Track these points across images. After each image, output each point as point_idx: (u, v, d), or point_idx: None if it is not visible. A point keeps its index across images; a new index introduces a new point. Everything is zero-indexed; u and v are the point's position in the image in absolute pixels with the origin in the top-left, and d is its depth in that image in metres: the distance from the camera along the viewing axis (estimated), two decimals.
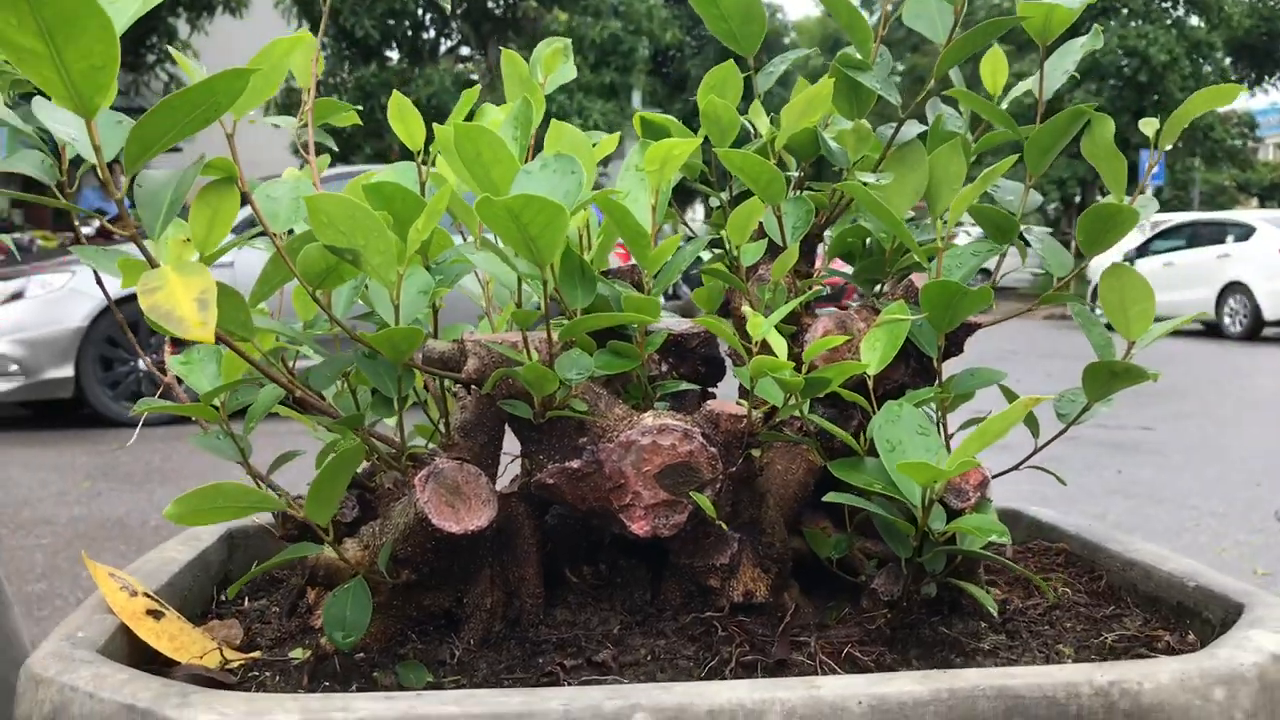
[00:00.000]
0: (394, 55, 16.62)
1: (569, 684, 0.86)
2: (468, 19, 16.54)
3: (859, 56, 1.07)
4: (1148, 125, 1.07)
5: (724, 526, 0.89)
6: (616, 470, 0.89)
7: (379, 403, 0.91)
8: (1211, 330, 14.39)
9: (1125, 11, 22.08)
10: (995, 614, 0.90)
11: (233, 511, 0.82)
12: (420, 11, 15.98)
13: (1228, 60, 23.46)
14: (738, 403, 0.91)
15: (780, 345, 0.89)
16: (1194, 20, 22.75)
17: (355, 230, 0.81)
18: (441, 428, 1.04)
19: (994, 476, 1.16)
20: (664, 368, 1.08)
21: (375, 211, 0.90)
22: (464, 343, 0.92)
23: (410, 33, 15.82)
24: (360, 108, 1.18)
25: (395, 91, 0.95)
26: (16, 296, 6.76)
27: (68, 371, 6.72)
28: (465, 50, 18.28)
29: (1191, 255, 14.34)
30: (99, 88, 0.72)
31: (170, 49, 0.95)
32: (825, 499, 0.89)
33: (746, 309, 0.92)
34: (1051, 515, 1.27)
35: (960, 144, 1.10)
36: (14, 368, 6.68)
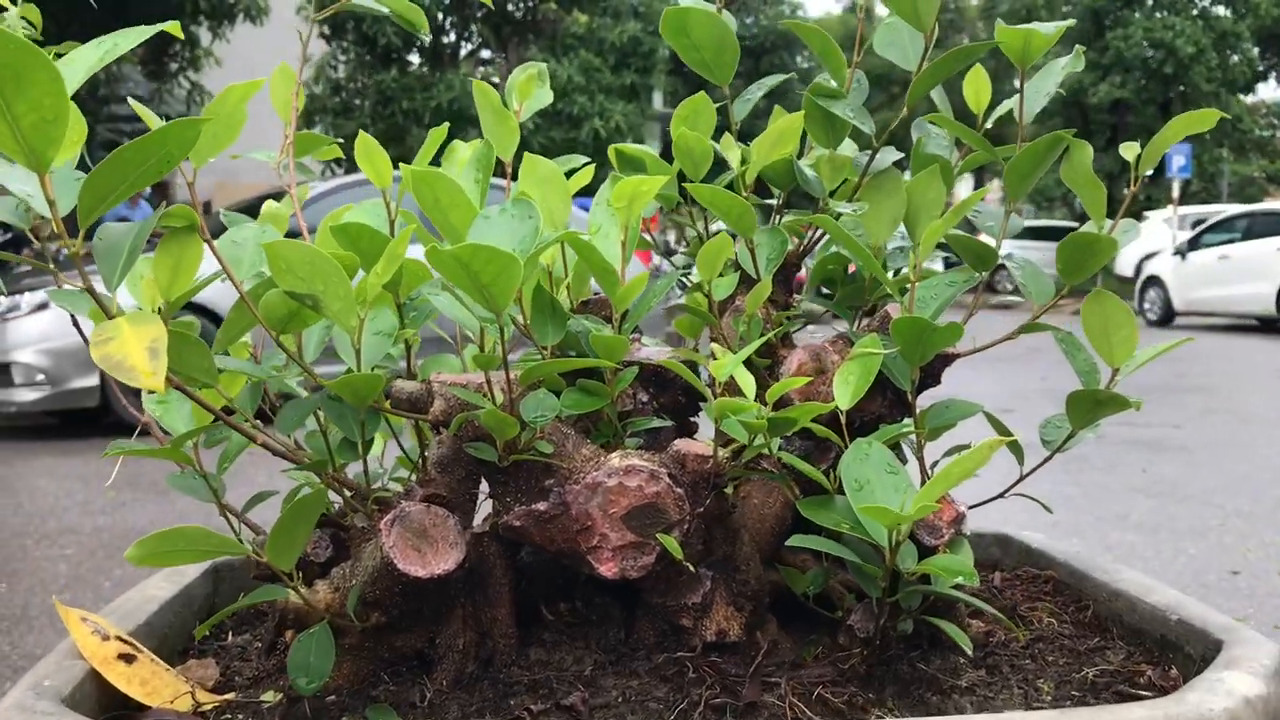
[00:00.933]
0: (415, 60, 16.67)
1: None
2: (488, 22, 16.57)
3: (833, 85, 1.06)
4: (1128, 150, 1.06)
5: (691, 568, 0.89)
6: (583, 512, 0.88)
7: (345, 446, 0.91)
8: (1267, 325, 13.93)
9: (1151, 3, 21.88)
10: (969, 652, 0.89)
11: (194, 555, 0.82)
12: (441, 16, 16.01)
13: (1255, 50, 23.18)
14: (706, 442, 0.91)
15: (747, 383, 0.88)
16: (1220, 10, 22.50)
17: (314, 276, 0.81)
18: (419, 463, 1.04)
19: (975, 506, 1.15)
20: (643, 398, 1.07)
21: (344, 252, 0.90)
22: (431, 384, 0.92)
23: (431, 37, 15.87)
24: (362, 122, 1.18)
25: (361, 132, 0.95)
26: (43, 307, 6.83)
27: (93, 381, 6.78)
28: (486, 54, 18.31)
29: (1249, 248, 13.73)
30: (50, 141, 0.72)
31: (131, 100, 0.95)
32: (790, 543, 0.88)
33: (715, 346, 0.91)
34: (1041, 541, 1.26)
35: (938, 171, 1.09)
36: (40, 377, 6.75)
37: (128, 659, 0.92)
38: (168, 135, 0.73)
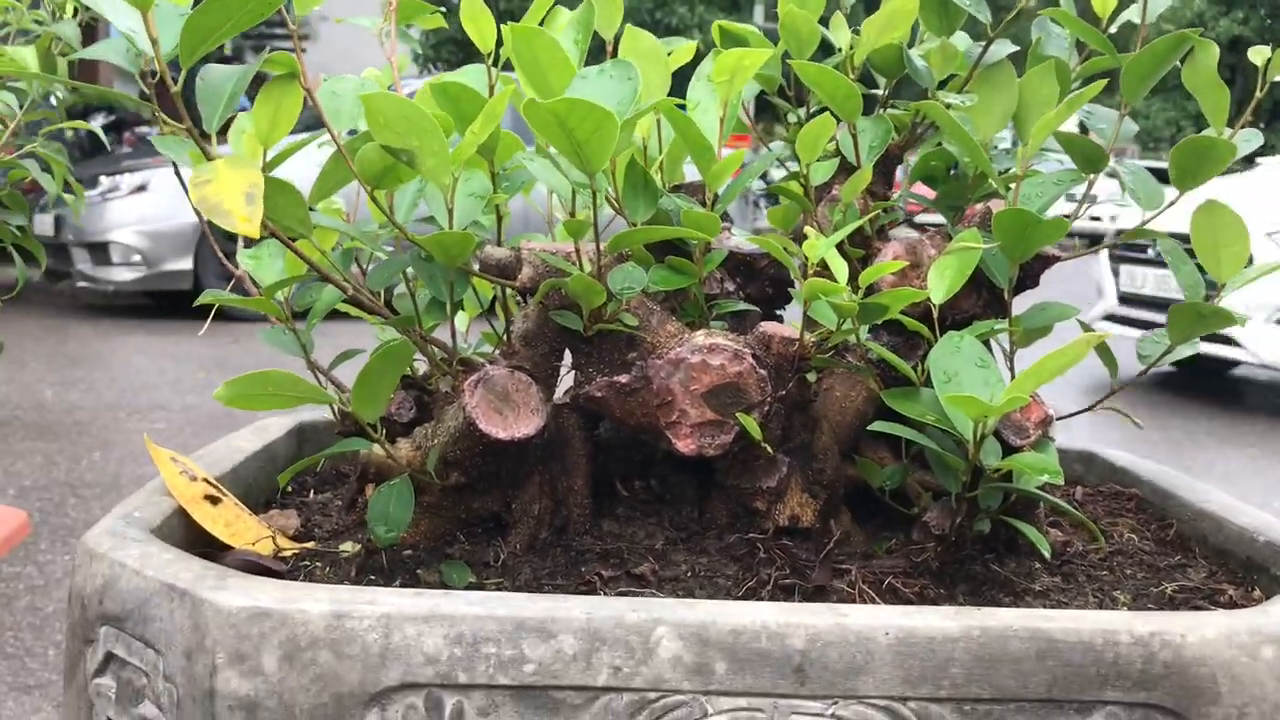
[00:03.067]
0: None
1: (605, 593, 0.86)
2: None
3: None
4: (1257, 54, 1.01)
5: (769, 449, 0.88)
6: (664, 387, 0.88)
7: (434, 307, 0.91)
8: None
9: None
10: (1048, 555, 0.87)
11: (282, 400, 0.84)
12: None
13: None
14: (793, 324, 0.89)
15: (840, 268, 0.87)
16: None
17: (410, 131, 0.81)
18: (503, 335, 1.04)
19: (1063, 418, 1.13)
20: (730, 287, 1.06)
21: (440, 112, 0.90)
22: (520, 251, 0.92)
23: None
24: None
25: None
26: (141, 189, 6.98)
27: (187, 264, 6.94)
28: None
29: None
30: None
31: None
32: (871, 428, 0.87)
33: (809, 229, 0.90)
34: (1126, 459, 1.23)
35: (1053, 67, 1.05)
36: (137, 258, 6.92)
37: (213, 500, 0.94)
38: None
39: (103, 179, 7.01)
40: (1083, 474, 1.28)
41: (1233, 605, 0.92)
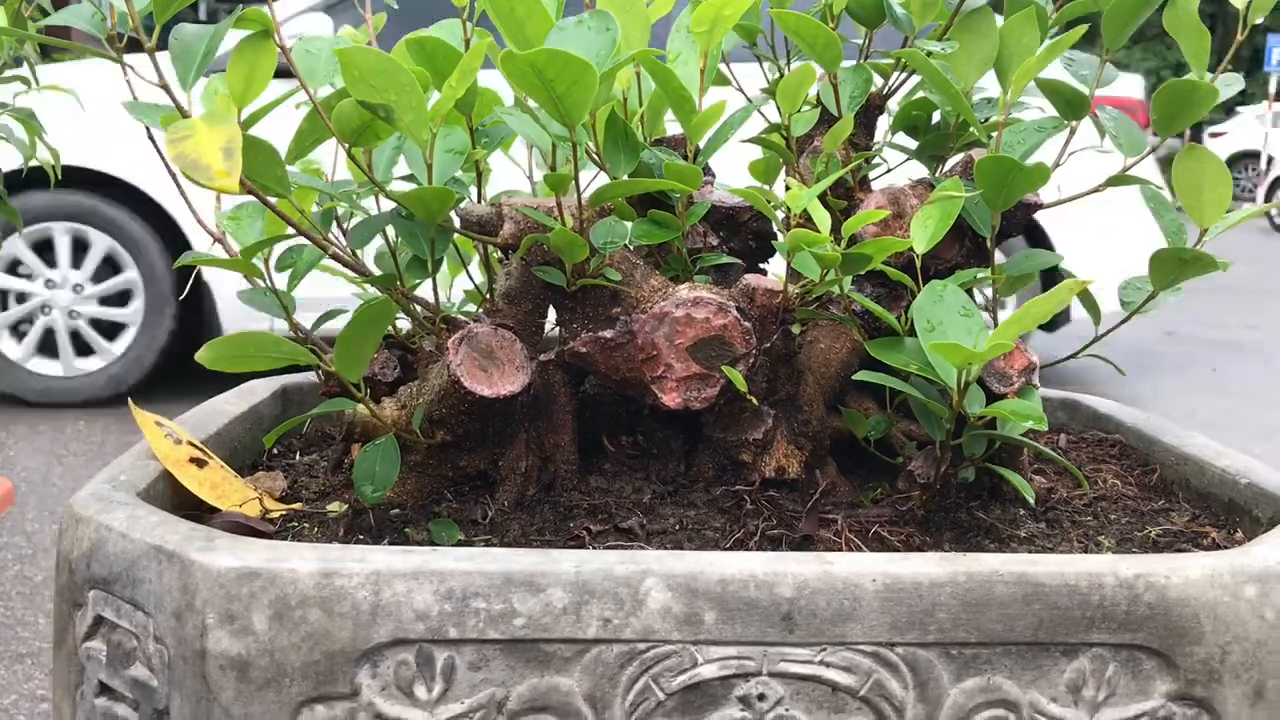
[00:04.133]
0: None
1: (593, 548, 0.87)
2: None
3: None
4: None
5: (754, 401, 0.88)
6: (649, 341, 0.88)
7: (415, 265, 0.91)
8: None
9: None
10: (1032, 501, 0.88)
11: (264, 360, 0.83)
12: None
13: None
14: (777, 277, 0.89)
15: (823, 219, 0.86)
16: None
17: (388, 85, 0.80)
18: (486, 293, 1.04)
19: (1047, 365, 1.13)
20: (713, 241, 1.06)
21: (416, 67, 0.89)
22: (501, 207, 0.91)
23: None
24: None
25: None
26: None
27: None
28: None
29: None
30: None
31: None
32: (855, 377, 0.87)
33: (791, 181, 0.89)
34: (1109, 406, 1.24)
35: (1033, 13, 1.04)
36: None
37: (199, 463, 0.94)
38: None
39: None
40: (1066, 421, 1.29)
41: (1216, 547, 0.93)
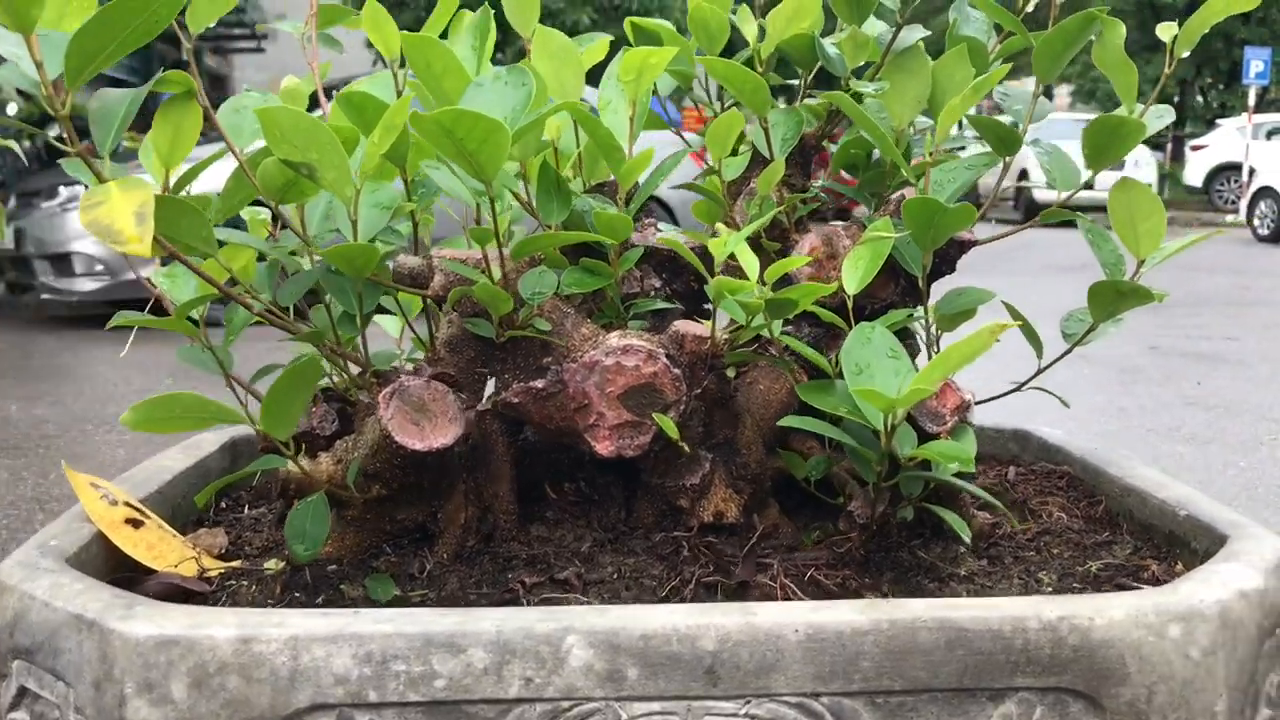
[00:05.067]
0: None
1: (528, 601, 0.86)
2: None
3: None
4: (1165, 30, 1.01)
5: (685, 448, 0.88)
6: (580, 390, 0.88)
7: (346, 320, 0.91)
8: None
9: None
10: (968, 540, 0.88)
11: (190, 422, 0.83)
12: None
13: None
14: (705, 323, 0.89)
15: (750, 263, 0.87)
16: None
17: (309, 144, 0.80)
18: (429, 343, 1.04)
19: (986, 401, 1.14)
20: (655, 284, 1.06)
21: (344, 124, 0.89)
22: (432, 259, 0.91)
23: None
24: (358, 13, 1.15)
25: (369, 1, 0.93)
26: None
27: (150, 272, 6.87)
28: None
29: None
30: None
31: None
32: (781, 423, 0.87)
33: (720, 226, 0.89)
34: (1059, 437, 1.24)
35: (965, 51, 1.05)
36: (100, 268, 6.86)
37: (135, 524, 0.94)
38: None
39: (61, 189, 6.94)
40: (1018, 452, 1.29)
41: (1156, 581, 0.93)
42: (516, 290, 0.87)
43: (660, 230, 1.08)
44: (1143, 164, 14.95)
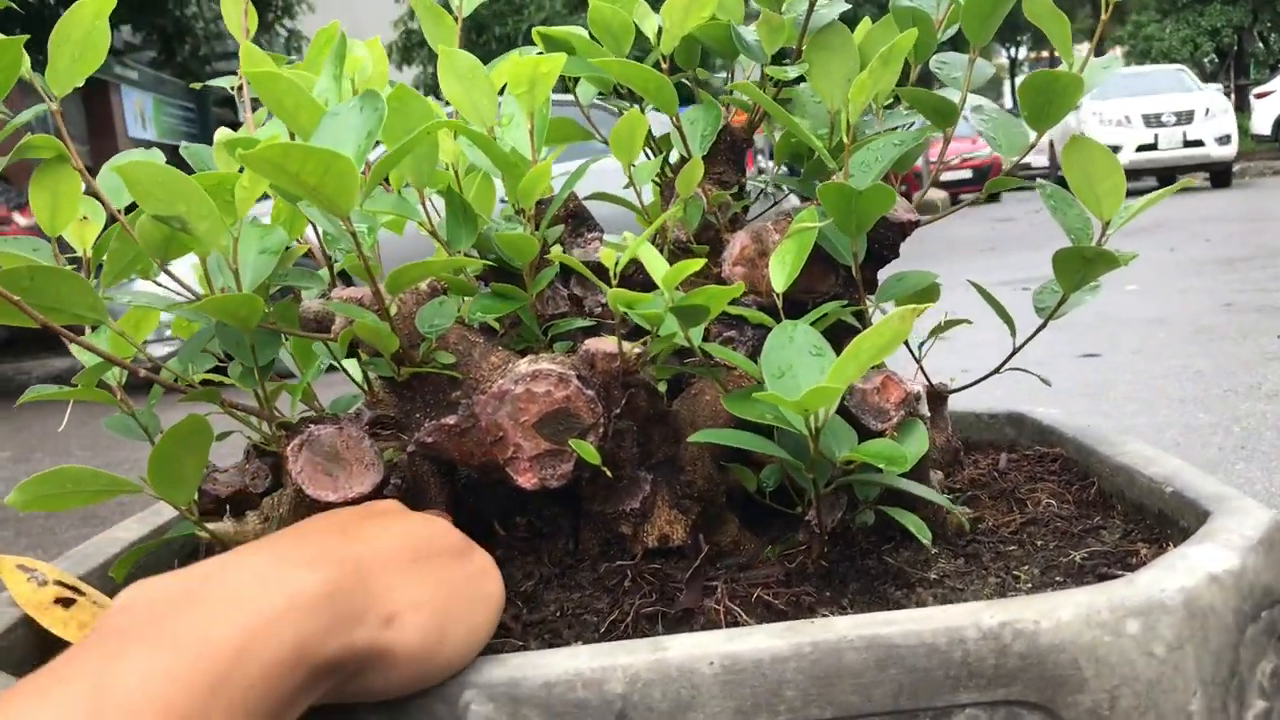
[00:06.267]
0: None
1: None
2: None
3: None
4: None
5: (609, 472, 0.83)
6: (493, 423, 0.83)
7: (246, 373, 0.87)
8: None
9: None
10: (927, 542, 0.81)
11: (83, 496, 0.80)
12: None
13: None
14: (613, 339, 0.84)
15: (658, 269, 0.81)
16: None
17: (174, 197, 0.77)
18: (366, 386, 1.00)
19: (966, 387, 1.07)
20: (602, 300, 1.01)
21: (217, 169, 0.86)
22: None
23: None
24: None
25: (246, 44, 0.90)
26: None
27: None
28: None
29: None
30: None
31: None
32: (692, 439, 0.81)
33: (627, 234, 0.84)
34: (1053, 417, 1.16)
35: (892, 22, 0.99)
36: None
37: (65, 603, 0.91)
38: None
39: None
40: (1015, 436, 1.21)
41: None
42: (414, 325, 0.82)
43: (606, 244, 1.03)
44: (1216, 113, 14.60)
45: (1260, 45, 19.87)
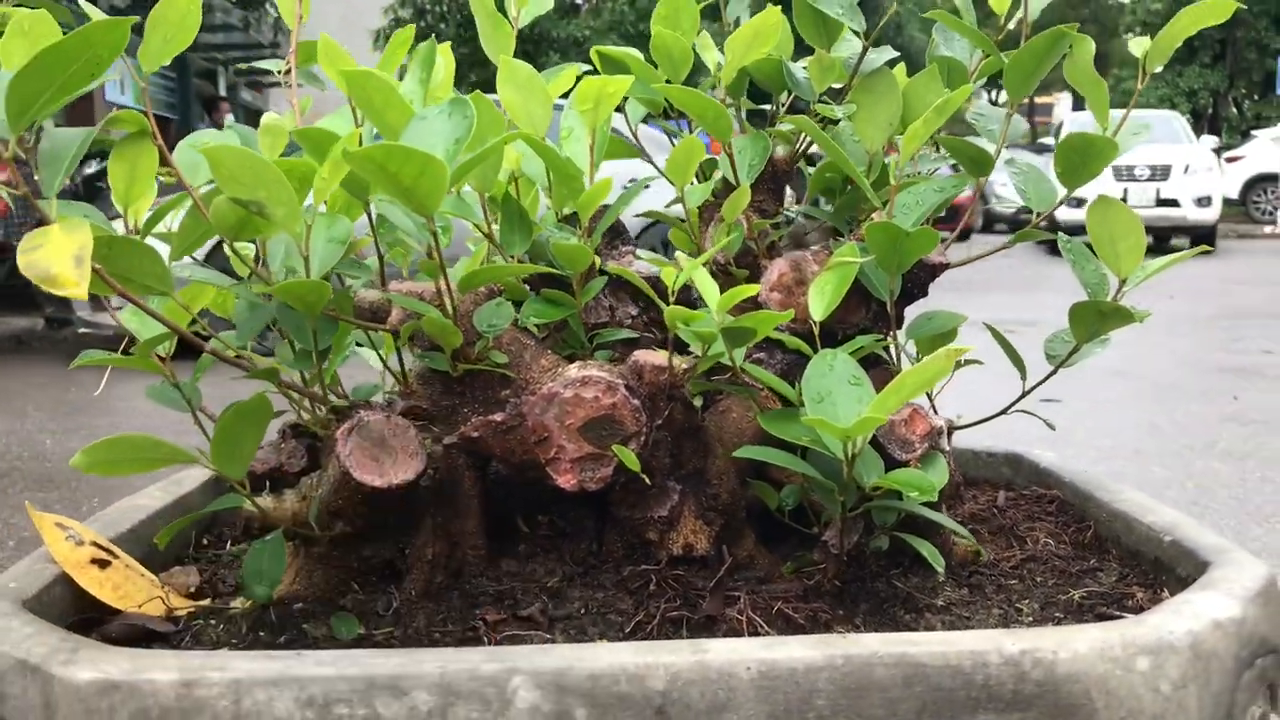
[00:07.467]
0: None
1: (490, 638, 0.85)
2: None
3: None
4: (1136, 45, 0.99)
5: (647, 480, 0.87)
6: (540, 423, 0.87)
7: (303, 355, 0.90)
8: None
9: None
10: (940, 570, 0.86)
11: (143, 463, 0.83)
12: None
13: None
14: (664, 353, 0.88)
15: (709, 291, 0.85)
16: None
17: (257, 183, 0.80)
18: (401, 376, 1.03)
19: (975, 424, 1.11)
20: (633, 311, 1.05)
21: (305, 159, 0.89)
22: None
23: None
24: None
25: (322, 34, 0.93)
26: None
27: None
28: None
29: None
30: None
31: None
32: (737, 454, 0.85)
33: (680, 255, 0.88)
34: (1050, 460, 1.21)
35: (936, 72, 1.03)
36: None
37: (101, 564, 0.93)
38: (92, 36, 0.72)
39: None
40: (1011, 477, 1.26)
41: (1139, 610, 0.90)
42: (471, 324, 0.86)
43: (639, 258, 1.07)
44: (1197, 170, 12.96)
45: (1234, 110, 20.33)
